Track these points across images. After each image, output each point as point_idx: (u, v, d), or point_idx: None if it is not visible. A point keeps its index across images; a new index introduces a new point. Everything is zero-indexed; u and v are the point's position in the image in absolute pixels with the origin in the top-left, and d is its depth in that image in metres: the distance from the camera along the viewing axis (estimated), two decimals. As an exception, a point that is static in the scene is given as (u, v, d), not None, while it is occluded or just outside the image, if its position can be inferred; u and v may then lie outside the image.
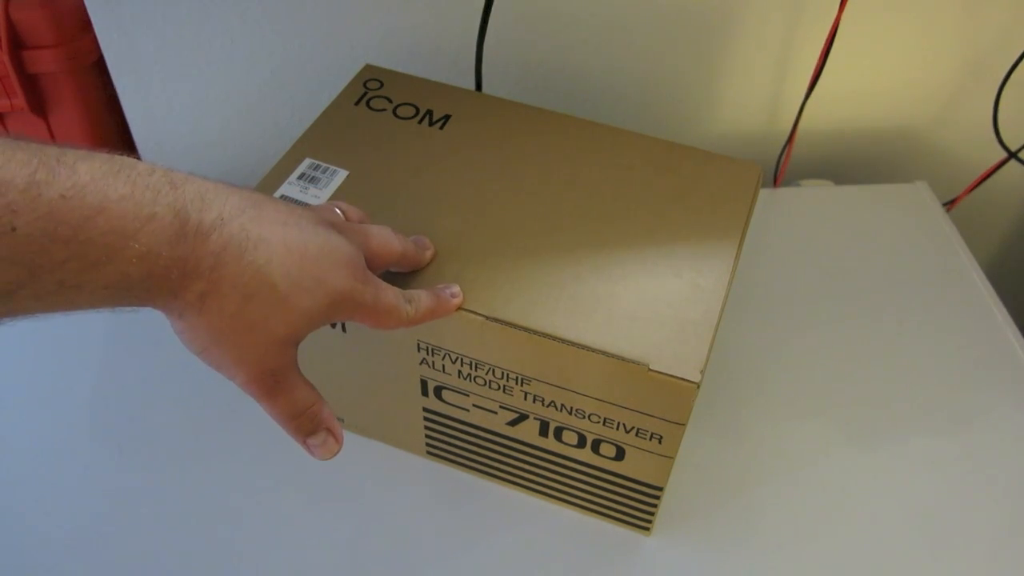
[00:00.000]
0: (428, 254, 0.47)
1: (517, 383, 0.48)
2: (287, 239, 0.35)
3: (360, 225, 0.43)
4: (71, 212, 0.28)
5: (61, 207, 0.28)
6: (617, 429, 0.48)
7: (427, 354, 0.49)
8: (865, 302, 0.70)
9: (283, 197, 0.51)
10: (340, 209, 0.44)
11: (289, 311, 0.36)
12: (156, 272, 0.31)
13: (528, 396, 0.48)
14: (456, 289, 0.46)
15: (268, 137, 0.79)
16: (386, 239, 0.43)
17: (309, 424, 0.39)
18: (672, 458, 0.48)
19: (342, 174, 0.53)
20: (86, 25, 0.70)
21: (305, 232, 0.36)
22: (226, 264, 0.33)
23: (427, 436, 0.56)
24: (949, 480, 0.58)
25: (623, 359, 0.43)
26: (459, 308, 0.45)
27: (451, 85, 0.60)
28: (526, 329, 0.45)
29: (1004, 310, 0.69)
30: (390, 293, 0.41)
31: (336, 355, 0.53)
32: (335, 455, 0.41)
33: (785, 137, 0.81)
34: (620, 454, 0.49)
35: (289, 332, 0.36)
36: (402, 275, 0.47)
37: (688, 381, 0.43)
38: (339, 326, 0.50)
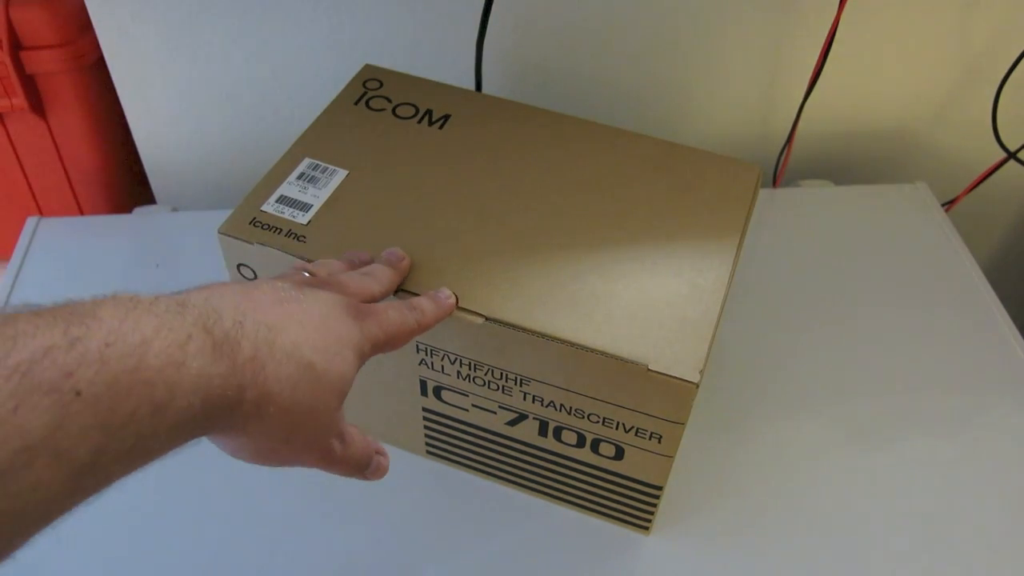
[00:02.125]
0: (404, 265, 0.47)
1: (516, 383, 0.48)
2: (294, 316, 0.35)
3: (333, 277, 0.42)
4: (123, 358, 0.27)
5: (111, 355, 0.26)
6: (616, 429, 0.48)
7: (426, 354, 0.49)
8: (865, 302, 0.70)
9: (283, 197, 0.51)
10: (307, 271, 0.43)
11: (332, 381, 0.35)
12: (213, 394, 0.30)
13: (527, 396, 0.48)
14: (447, 291, 0.46)
15: (268, 137, 0.80)
16: (362, 283, 0.43)
17: (364, 463, 0.40)
18: (672, 458, 0.48)
19: (341, 174, 0.53)
20: (86, 25, 0.70)
21: (302, 302, 0.36)
22: (265, 364, 0.32)
23: (427, 436, 0.56)
24: (949, 480, 0.58)
25: (622, 359, 0.43)
26: (457, 307, 0.45)
27: (451, 85, 0.60)
28: (526, 329, 0.45)
29: (1004, 310, 0.69)
30: (392, 312, 0.41)
31: (336, 355, 0.53)
32: (386, 471, 0.42)
33: (785, 137, 0.81)
34: (619, 454, 0.49)
35: (338, 400, 0.36)
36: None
37: (687, 381, 0.43)
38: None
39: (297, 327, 0.35)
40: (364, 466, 0.40)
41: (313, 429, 0.35)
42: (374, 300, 0.43)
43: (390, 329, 0.40)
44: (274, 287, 0.37)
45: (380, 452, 0.41)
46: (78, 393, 0.25)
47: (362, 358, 0.38)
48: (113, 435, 0.27)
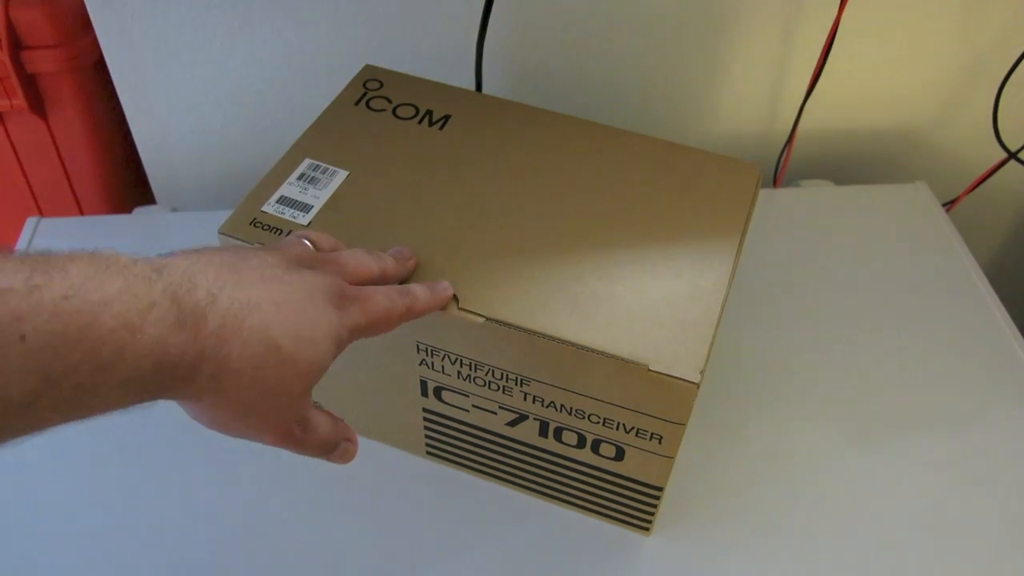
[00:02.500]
0: (411, 264, 0.47)
1: (517, 384, 0.48)
2: (273, 297, 0.35)
3: (332, 254, 0.42)
4: (76, 313, 0.28)
5: (65, 308, 0.27)
6: (617, 429, 0.48)
7: (427, 355, 0.49)
8: (865, 302, 0.70)
9: (283, 197, 0.51)
10: (309, 240, 0.43)
11: (299, 366, 0.35)
12: (167, 362, 0.31)
13: (528, 396, 0.48)
14: (446, 283, 0.46)
15: (268, 137, 0.80)
16: (360, 262, 0.42)
17: (331, 446, 0.40)
18: (672, 458, 0.48)
19: (342, 174, 0.53)
20: (86, 25, 0.70)
21: (285, 282, 0.36)
22: (229, 340, 0.33)
23: (427, 436, 0.56)
24: (949, 480, 0.58)
25: (623, 359, 0.43)
26: (453, 300, 0.45)
27: (451, 85, 0.60)
28: (526, 330, 0.45)
29: (1004, 310, 0.69)
30: (379, 297, 0.40)
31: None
32: (355, 456, 0.41)
33: (785, 137, 0.81)
34: (620, 454, 0.49)
35: (304, 385, 0.36)
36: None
37: (688, 381, 0.43)
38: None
39: (273, 308, 0.35)
40: (328, 451, 0.40)
41: (272, 410, 0.36)
42: (369, 276, 0.42)
43: (375, 314, 0.40)
44: (263, 262, 0.37)
45: (349, 439, 0.41)
46: (22, 337, 0.26)
47: (339, 345, 0.38)
48: (52, 384, 0.27)
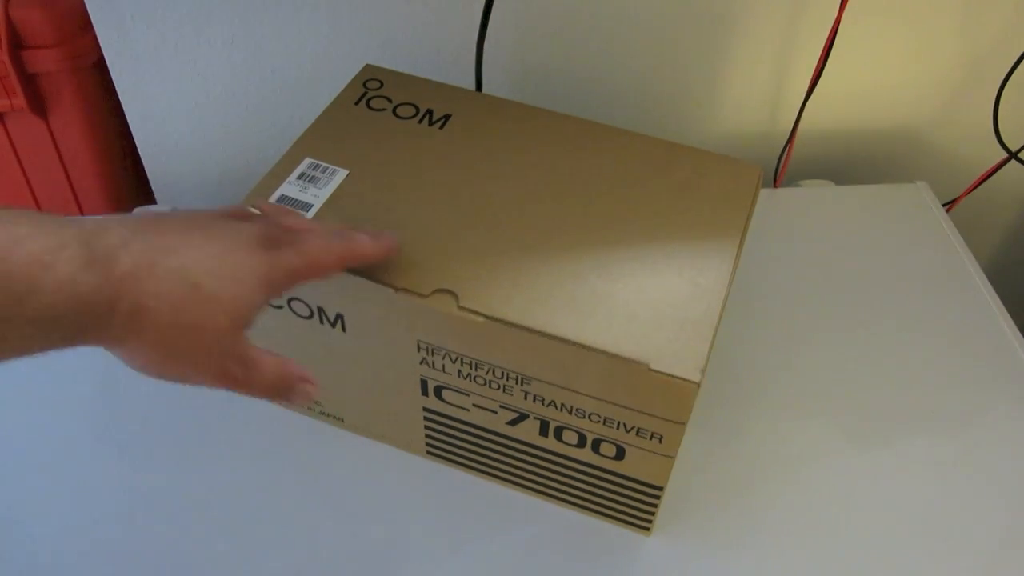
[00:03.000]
0: (384, 242, 0.45)
1: (517, 383, 0.48)
2: (193, 242, 0.36)
3: (267, 214, 0.43)
4: None
5: None
6: (617, 428, 0.48)
7: (427, 354, 0.49)
8: (865, 302, 0.70)
9: (283, 197, 0.51)
10: (258, 208, 0.43)
11: (223, 303, 0.36)
12: (80, 301, 0.32)
13: (528, 396, 0.48)
14: (390, 233, 0.45)
15: (268, 137, 0.80)
16: (296, 219, 0.43)
17: (284, 388, 0.40)
18: (672, 458, 0.48)
19: (342, 174, 0.53)
20: (86, 25, 0.70)
21: (209, 229, 0.37)
22: (142, 279, 0.33)
23: (427, 436, 0.56)
24: (949, 480, 0.58)
25: (623, 358, 0.43)
26: (454, 299, 0.45)
27: (451, 85, 0.60)
28: (526, 329, 0.45)
29: (1004, 310, 0.69)
30: (314, 238, 0.41)
31: (336, 355, 0.53)
32: (314, 397, 0.41)
33: (785, 137, 0.81)
34: (620, 454, 0.49)
35: (233, 321, 0.37)
36: (404, 277, 0.47)
37: (688, 381, 0.43)
38: (339, 325, 0.50)
39: (193, 251, 0.35)
40: (279, 391, 0.40)
41: (199, 348, 0.36)
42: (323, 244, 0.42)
43: (310, 255, 0.40)
44: (190, 216, 0.38)
45: (304, 378, 0.40)
46: None
47: (271, 285, 0.38)
48: None
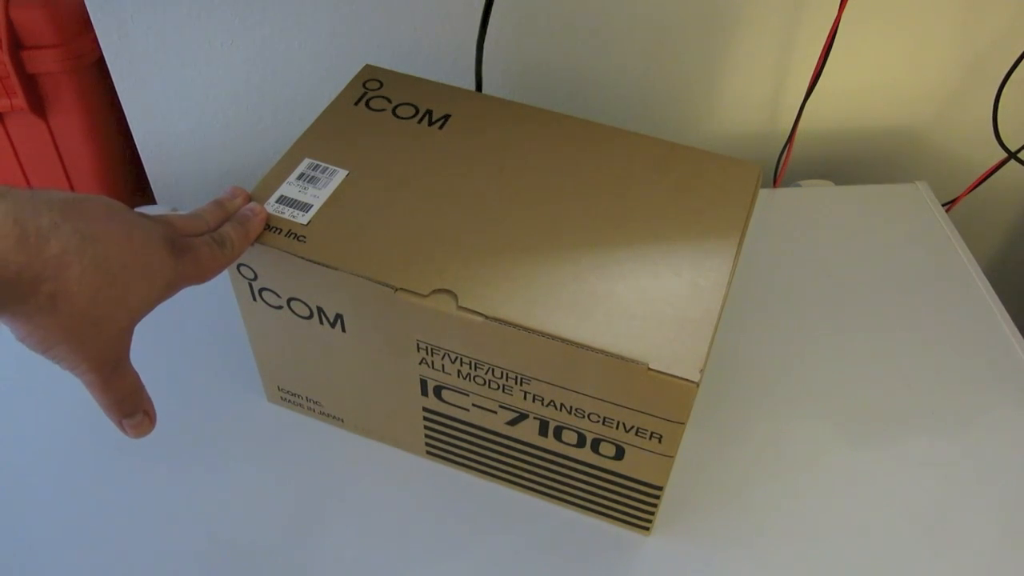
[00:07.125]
0: (238, 201, 0.49)
1: (517, 383, 0.48)
2: (114, 233, 0.37)
3: (165, 216, 0.45)
4: None
5: None
6: (617, 428, 0.48)
7: (427, 354, 0.49)
8: (865, 302, 0.70)
9: (283, 197, 0.51)
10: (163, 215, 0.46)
11: (130, 300, 0.38)
12: (5, 277, 0.33)
13: (528, 395, 0.48)
14: (254, 205, 0.49)
15: (268, 137, 0.80)
16: (189, 222, 0.45)
17: (131, 406, 0.41)
18: (672, 457, 0.48)
19: (341, 174, 0.53)
20: (86, 25, 0.70)
21: (126, 223, 0.38)
22: (69, 265, 0.35)
23: (427, 436, 0.56)
24: (949, 480, 0.58)
25: (623, 358, 0.43)
26: (453, 299, 0.45)
27: (451, 85, 0.60)
28: (526, 328, 0.45)
29: (1004, 310, 0.69)
30: (203, 248, 0.43)
31: (336, 355, 0.53)
32: (147, 435, 0.42)
33: (785, 137, 0.81)
34: (620, 453, 0.49)
35: (131, 320, 0.39)
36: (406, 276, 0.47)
37: (688, 380, 0.43)
38: (339, 325, 0.50)
39: (115, 243, 0.37)
40: (123, 409, 0.41)
41: (97, 339, 0.37)
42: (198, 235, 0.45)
43: (202, 265, 0.43)
44: (110, 205, 0.39)
45: (147, 412, 0.42)
46: None
47: (171, 289, 0.41)
48: None
